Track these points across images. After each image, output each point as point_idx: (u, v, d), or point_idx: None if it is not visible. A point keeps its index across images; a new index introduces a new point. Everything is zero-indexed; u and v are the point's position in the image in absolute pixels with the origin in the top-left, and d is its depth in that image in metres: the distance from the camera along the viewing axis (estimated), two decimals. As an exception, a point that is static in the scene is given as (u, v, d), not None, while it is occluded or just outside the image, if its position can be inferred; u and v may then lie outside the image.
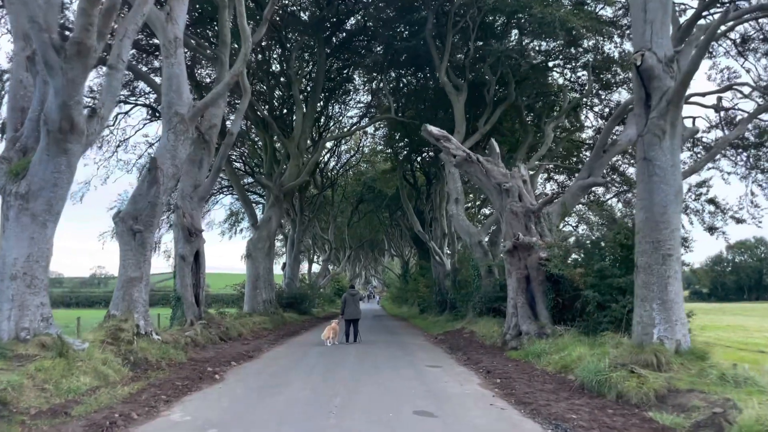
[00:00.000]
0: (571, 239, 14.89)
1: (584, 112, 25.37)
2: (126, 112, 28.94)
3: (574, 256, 13.87)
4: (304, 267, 61.64)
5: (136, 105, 28.70)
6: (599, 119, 25.94)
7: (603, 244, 12.04)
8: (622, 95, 24.04)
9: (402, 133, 33.61)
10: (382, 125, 39.50)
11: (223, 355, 13.51)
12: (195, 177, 18.19)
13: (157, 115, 28.42)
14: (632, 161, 23.38)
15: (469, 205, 39.64)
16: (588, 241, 12.30)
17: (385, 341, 17.26)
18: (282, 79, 29.70)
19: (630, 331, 10.64)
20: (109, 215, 28.09)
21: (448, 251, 33.02)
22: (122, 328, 11.23)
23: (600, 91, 24.83)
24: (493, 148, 15.21)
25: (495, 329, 16.62)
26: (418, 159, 39.16)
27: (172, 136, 12.51)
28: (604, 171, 15.63)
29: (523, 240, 13.57)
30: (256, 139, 32.31)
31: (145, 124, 29.55)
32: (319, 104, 34.14)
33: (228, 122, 25.43)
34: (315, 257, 60.44)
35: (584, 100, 24.18)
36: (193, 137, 13.05)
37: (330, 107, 35.31)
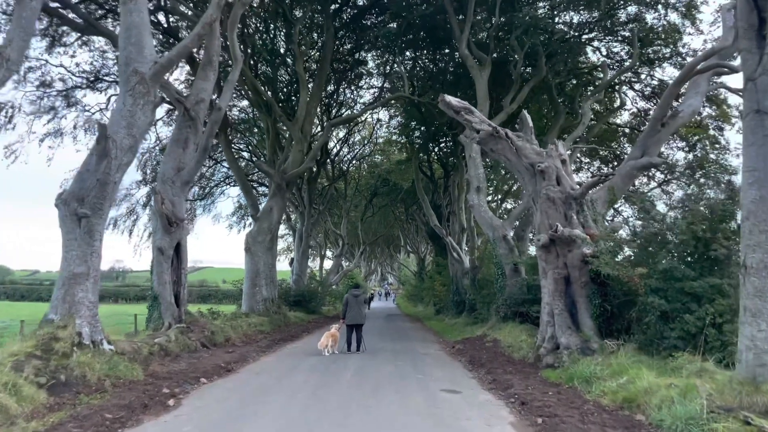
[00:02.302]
0: (621, 231, 12.24)
1: (622, 91, 22.44)
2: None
3: (624, 252, 11.27)
4: (316, 263, 59.75)
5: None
6: (639, 100, 23.10)
7: (672, 236, 9.41)
8: (666, 72, 21.21)
9: (418, 120, 31.10)
10: (396, 113, 37.13)
11: (197, 367, 11.16)
12: (179, 159, 15.88)
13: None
14: (685, 142, 20.52)
15: (489, 199, 36.93)
16: (651, 233, 9.66)
17: (393, 350, 14.78)
18: (288, 60, 27.36)
19: (710, 353, 8.09)
20: None
21: (466, 248, 30.47)
22: (58, 337, 8.90)
23: (641, 69, 22.01)
24: (525, 121, 12.60)
25: (523, 338, 14.09)
26: (435, 150, 36.71)
27: (130, 100, 10.14)
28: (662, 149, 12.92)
29: (563, 232, 10.99)
30: (260, 123, 30.02)
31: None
32: (329, 88, 31.83)
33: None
34: (328, 252, 58.25)
35: (624, 76, 21.35)
36: (155, 101, 10.67)
37: (341, 92, 32.90)
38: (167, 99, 17.40)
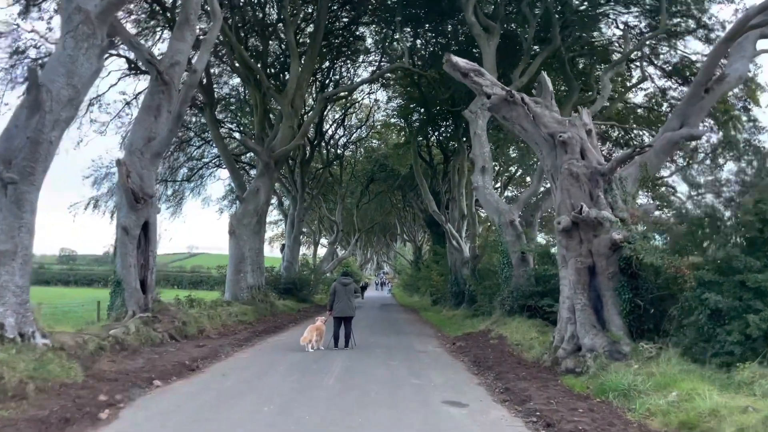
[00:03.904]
0: (657, 212, 10.54)
1: (639, 68, 20.59)
2: (98, 64, 24.90)
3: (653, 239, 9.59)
4: (311, 251, 58.07)
5: (111, 56, 24.65)
6: (658, 78, 21.30)
7: (731, 218, 7.71)
8: (688, 44, 19.40)
9: (417, 101, 29.29)
10: (395, 95, 35.33)
11: (155, 365, 9.47)
12: (150, 128, 14.11)
13: (135, 68, 24.47)
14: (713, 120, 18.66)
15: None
16: (702, 215, 7.96)
17: (387, 347, 13.10)
18: (279, 32, 25.45)
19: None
20: (85, 183, 24.03)
21: (466, 236, 28.79)
22: (-30, 329, 7.21)
23: (660, 44, 20.23)
24: (544, 85, 10.84)
25: (534, 336, 12.46)
26: (435, 134, 34.97)
27: (71, 43, 8.35)
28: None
29: (589, 214, 9.29)
30: (249, 99, 28.19)
31: (120, 79, 25.38)
32: (324, 65, 29.97)
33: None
34: (324, 240, 56.50)
35: (644, 50, 19.52)
36: (103, 46, 8.89)
37: (337, 69, 31.00)
38: (138, 62, 15.63)
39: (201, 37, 16.09)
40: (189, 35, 15.27)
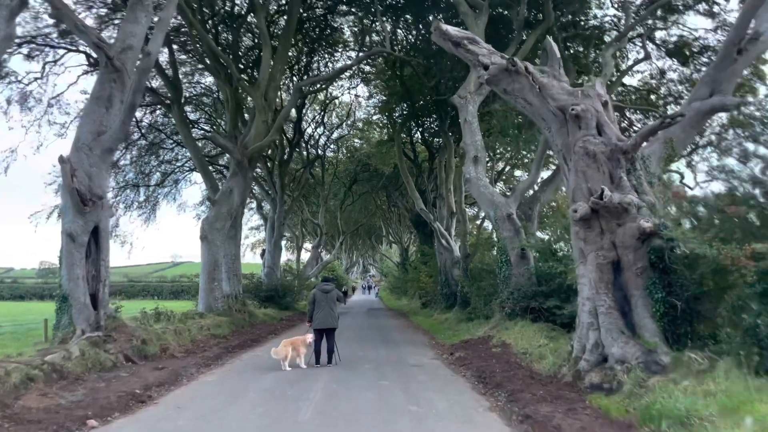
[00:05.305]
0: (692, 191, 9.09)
1: (641, 46, 19.21)
2: (55, 61, 23.05)
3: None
4: (295, 256, 56.28)
5: (69, 51, 22.81)
6: (657, 60, 19.99)
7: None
8: (690, 19, 18.03)
9: (400, 95, 27.81)
10: (376, 91, 33.86)
11: (96, 398, 7.80)
12: (99, 121, 12.47)
13: (96, 64, 22.62)
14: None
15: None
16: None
17: (376, 361, 11.50)
18: (253, 25, 23.80)
19: None
20: (48, 191, 22.05)
21: (456, 234, 27.34)
22: None
23: (657, 22, 18.93)
24: (551, 51, 9.34)
25: (542, 342, 10.99)
26: (419, 130, 33.58)
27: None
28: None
29: (612, 199, 7.80)
30: (219, 95, 26.49)
31: (79, 77, 23.56)
32: (302, 59, 28.35)
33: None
34: (307, 245, 54.73)
35: (644, 26, 18.18)
36: (12, 6, 7.22)
37: (314, 65, 29.35)
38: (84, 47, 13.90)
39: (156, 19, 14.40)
40: (143, 16, 13.62)
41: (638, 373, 7.11)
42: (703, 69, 18.89)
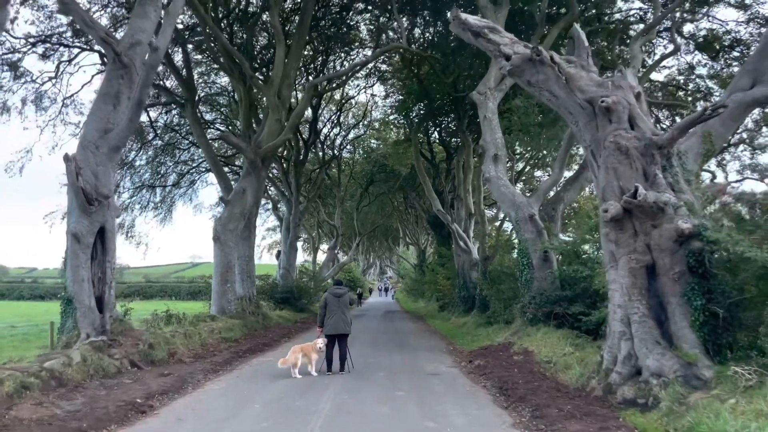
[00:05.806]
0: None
1: (669, 39, 18.40)
2: (70, 60, 22.92)
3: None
4: (310, 256, 56.00)
5: (83, 50, 22.66)
6: (684, 54, 19.15)
7: None
8: (720, 12, 17.25)
9: (417, 95, 27.18)
10: (393, 90, 33.32)
11: (95, 407, 7.37)
12: (107, 118, 12.15)
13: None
14: None
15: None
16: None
17: (391, 369, 10.94)
18: (267, 22, 23.43)
19: None
20: (62, 191, 21.87)
21: (474, 236, 26.69)
22: None
23: (686, 15, 18.10)
24: (578, 40, 8.73)
25: (567, 351, 10.34)
26: (436, 130, 32.97)
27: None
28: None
29: (646, 198, 7.17)
30: (234, 96, 26.17)
31: (93, 76, 23.39)
32: (318, 59, 27.95)
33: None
34: (324, 246, 54.36)
35: (673, 18, 17.36)
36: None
37: (330, 65, 28.91)
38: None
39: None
40: (152, 11, 13.33)
41: (677, 388, 6.48)
42: (735, 63, 18.11)
